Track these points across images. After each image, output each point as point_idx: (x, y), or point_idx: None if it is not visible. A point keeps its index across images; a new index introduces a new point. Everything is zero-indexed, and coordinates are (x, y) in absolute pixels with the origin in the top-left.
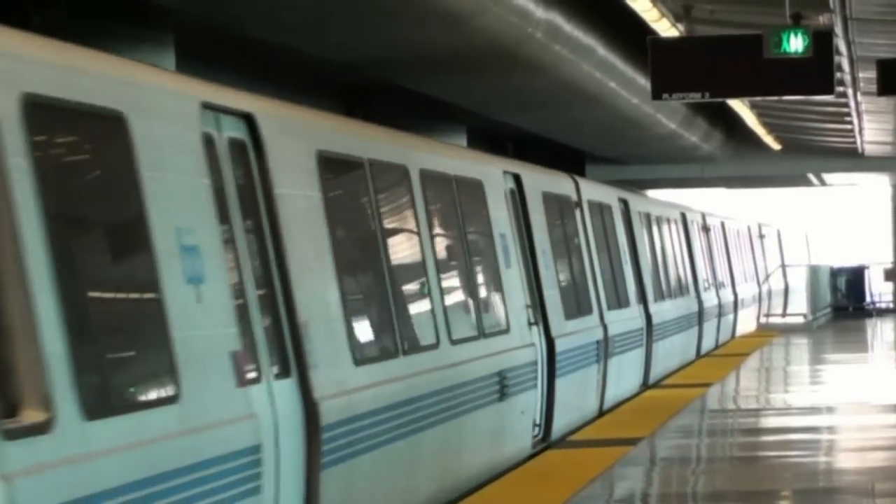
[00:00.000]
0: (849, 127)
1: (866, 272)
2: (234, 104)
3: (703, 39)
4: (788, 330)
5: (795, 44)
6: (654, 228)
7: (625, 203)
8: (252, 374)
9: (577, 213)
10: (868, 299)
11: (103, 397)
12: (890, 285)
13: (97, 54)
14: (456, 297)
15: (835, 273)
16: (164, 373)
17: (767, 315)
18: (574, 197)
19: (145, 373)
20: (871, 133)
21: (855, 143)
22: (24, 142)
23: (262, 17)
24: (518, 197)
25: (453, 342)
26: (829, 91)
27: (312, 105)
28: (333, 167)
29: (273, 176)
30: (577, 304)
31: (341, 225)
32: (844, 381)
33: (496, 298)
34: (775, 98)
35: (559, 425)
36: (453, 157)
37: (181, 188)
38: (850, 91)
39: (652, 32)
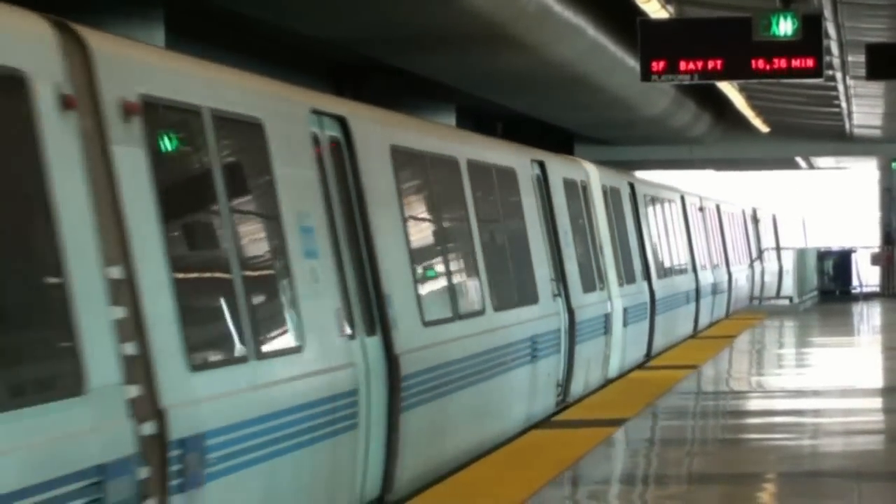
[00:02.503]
0: (837, 110)
1: (853, 256)
2: None
3: (693, 21)
4: (775, 312)
5: (785, 27)
6: (727, 221)
7: (717, 206)
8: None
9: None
10: (855, 283)
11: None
12: (877, 269)
13: None
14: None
15: (822, 256)
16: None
17: (757, 298)
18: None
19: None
20: (859, 116)
21: (843, 126)
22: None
23: None
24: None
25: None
26: (818, 74)
27: (303, 83)
28: None
29: None
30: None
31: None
32: (830, 365)
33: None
34: (764, 81)
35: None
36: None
37: None
38: (838, 75)
39: (642, 14)
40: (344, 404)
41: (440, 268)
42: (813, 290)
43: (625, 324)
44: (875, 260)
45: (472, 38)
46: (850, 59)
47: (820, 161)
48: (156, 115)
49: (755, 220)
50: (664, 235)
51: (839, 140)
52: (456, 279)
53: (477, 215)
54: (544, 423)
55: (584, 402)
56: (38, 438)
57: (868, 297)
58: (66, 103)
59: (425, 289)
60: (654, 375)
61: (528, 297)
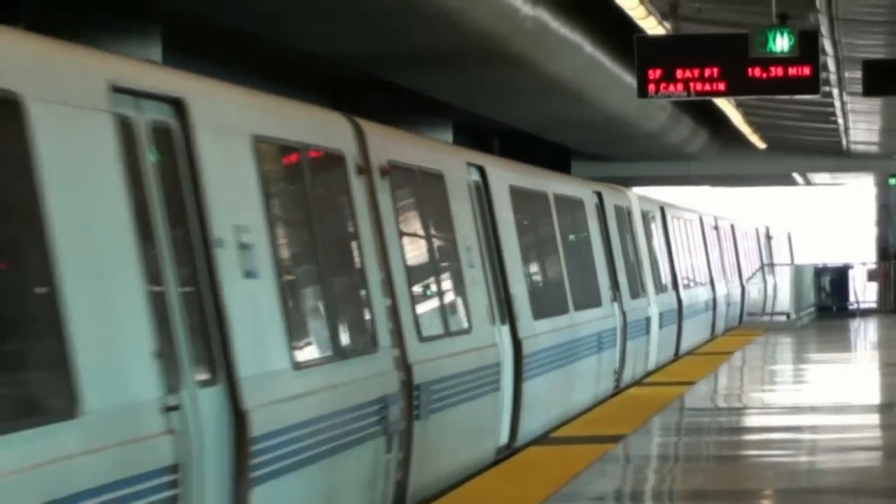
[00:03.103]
0: (834, 126)
1: (850, 272)
2: None
3: (690, 38)
4: (772, 329)
5: (781, 43)
6: (741, 238)
7: (731, 226)
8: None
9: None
10: (852, 299)
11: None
12: (874, 285)
13: None
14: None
15: (819, 273)
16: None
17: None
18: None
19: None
20: (856, 133)
21: (840, 142)
22: None
23: (249, 9)
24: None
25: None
26: (815, 91)
27: (301, 98)
28: None
29: None
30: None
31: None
32: (828, 381)
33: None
34: (761, 97)
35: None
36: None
37: None
38: (835, 91)
39: (638, 30)
40: (492, 372)
41: (541, 275)
42: (810, 306)
43: (660, 326)
44: (872, 276)
45: (469, 54)
46: (846, 75)
47: (816, 177)
48: (395, 173)
49: (768, 238)
50: (687, 252)
51: (836, 156)
52: (551, 284)
53: (561, 235)
54: (542, 439)
55: (583, 417)
56: (359, 376)
57: (865, 313)
58: (359, 170)
59: (533, 291)
60: (651, 392)
61: (596, 300)
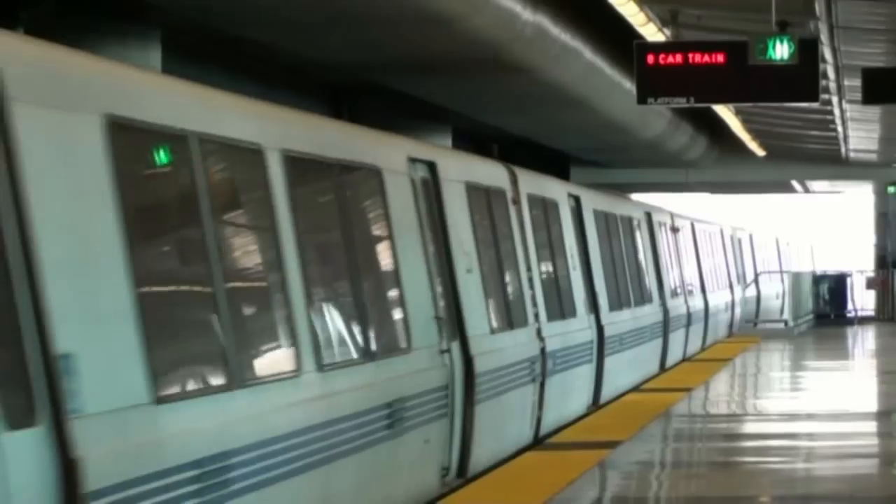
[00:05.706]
0: (833, 134)
1: (848, 280)
2: None
3: (690, 45)
4: (770, 336)
5: (781, 51)
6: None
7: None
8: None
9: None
10: (850, 307)
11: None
12: (872, 293)
13: None
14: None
15: (817, 280)
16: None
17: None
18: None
19: None
20: (855, 140)
21: (839, 150)
22: None
23: (249, 16)
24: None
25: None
26: (814, 98)
27: (300, 104)
28: None
29: None
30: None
31: None
32: (825, 389)
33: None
34: (760, 104)
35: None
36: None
37: None
38: (835, 99)
39: (639, 37)
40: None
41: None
42: (808, 313)
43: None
44: (870, 284)
45: (469, 61)
46: (846, 83)
47: (815, 185)
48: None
49: (787, 247)
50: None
51: (835, 164)
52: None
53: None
54: (537, 445)
55: (578, 424)
56: (514, 343)
57: (863, 320)
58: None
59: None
60: (647, 398)
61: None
